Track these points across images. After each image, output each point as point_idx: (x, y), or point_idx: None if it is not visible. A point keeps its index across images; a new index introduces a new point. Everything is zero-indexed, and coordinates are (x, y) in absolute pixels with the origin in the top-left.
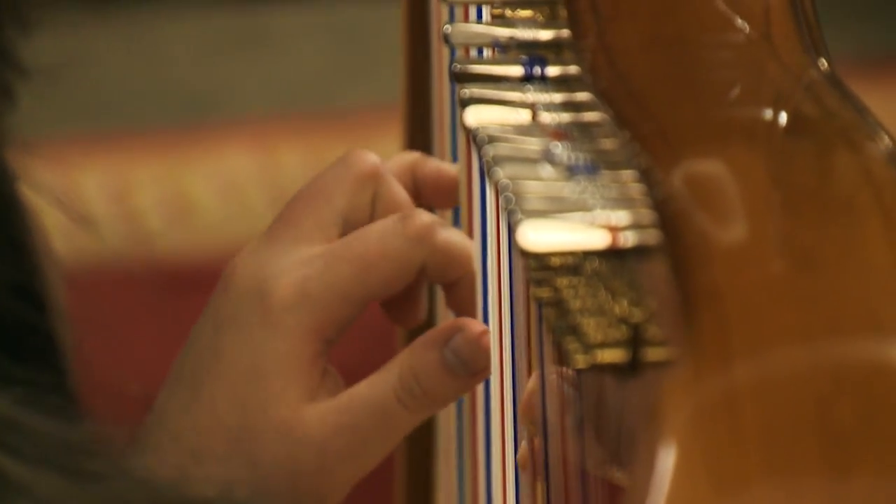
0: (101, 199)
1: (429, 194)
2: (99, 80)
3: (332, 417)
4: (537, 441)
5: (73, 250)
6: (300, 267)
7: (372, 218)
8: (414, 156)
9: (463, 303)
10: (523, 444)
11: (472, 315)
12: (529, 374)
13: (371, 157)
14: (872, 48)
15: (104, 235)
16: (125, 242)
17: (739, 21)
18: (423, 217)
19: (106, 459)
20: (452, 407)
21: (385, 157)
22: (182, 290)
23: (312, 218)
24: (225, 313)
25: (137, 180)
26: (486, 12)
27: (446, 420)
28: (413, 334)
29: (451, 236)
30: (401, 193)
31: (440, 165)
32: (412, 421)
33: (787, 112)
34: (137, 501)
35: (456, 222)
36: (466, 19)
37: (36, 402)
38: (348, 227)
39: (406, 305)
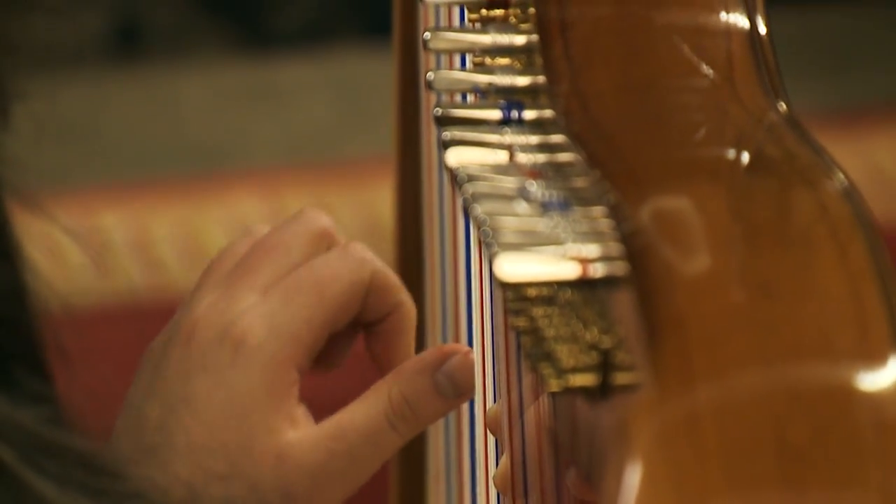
0: (122, 242)
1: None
2: (119, 132)
3: (325, 444)
4: (507, 459)
5: (94, 287)
6: (261, 304)
7: None
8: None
9: (390, 340)
10: (500, 464)
11: (396, 362)
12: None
13: (324, 217)
14: (839, 102)
15: (124, 273)
16: (143, 280)
17: (704, 67)
18: (361, 246)
19: (122, 478)
20: (441, 429)
21: (384, 202)
22: None
23: (270, 268)
24: (192, 363)
25: (155, 224)
26: (468, 60)
27: (435, 441)
28: None
29: (386, 268)
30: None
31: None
32: (401, 442)
33: (748, 152)
34: None
35: (443, 252)
36: (451, 68)
37: (58, 420)
38: None
39: (332, 351)
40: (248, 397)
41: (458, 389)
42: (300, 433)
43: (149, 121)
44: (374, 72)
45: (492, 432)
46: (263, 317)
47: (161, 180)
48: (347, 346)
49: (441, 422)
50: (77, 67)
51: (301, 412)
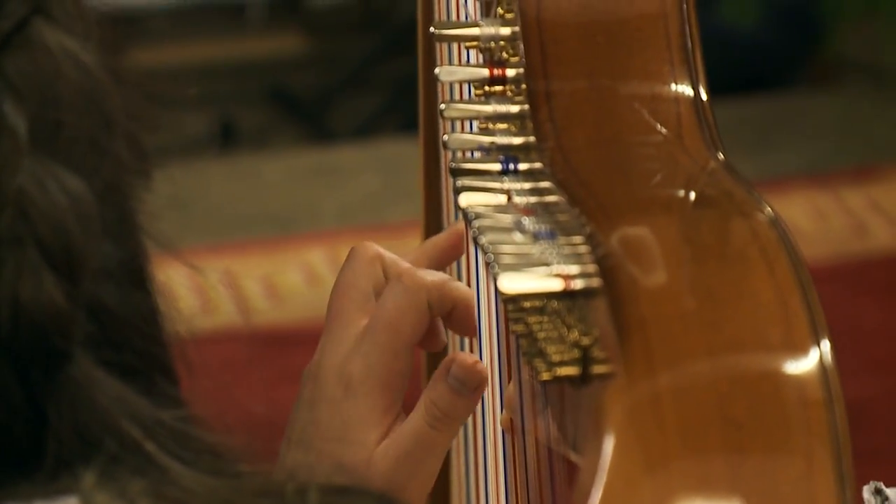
0: (219, 287)
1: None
2: (217, 204)
3: (385, 451)
4: (516, 421)
5: (200, 321)
6: (356, 349)
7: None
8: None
9: (462, 325)
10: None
11: (472, 333)
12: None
13: (371, 245)
14: (761, 173)
15: (223, 309)
16: (236, 315)
17: (658, 126)
18: (413, 272)
19: (239, 463)
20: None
21: None
22: (275, 348)
23: (351, 305)
24: (316, 395)
25: (245, 274)
26: (475, 125)
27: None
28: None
29: (436, 275)
30: (399, 261)
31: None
32: (445, 439)
33: (694, 191)
34: (269, 492)
35: (459, 276)
36: (463, 132)
37: (188, 419)
38: (377, 295)
39: (428, 335)
40: (354, 422)
41: (468, 385)
42: (381, 447)
43: (239, 195)
44: (411, 154)
45: (504, 428)
46: (361, 357)
47: (249, 240)
48: (439, 331)
49: None
50: (188, 154)
51: (397, 424)
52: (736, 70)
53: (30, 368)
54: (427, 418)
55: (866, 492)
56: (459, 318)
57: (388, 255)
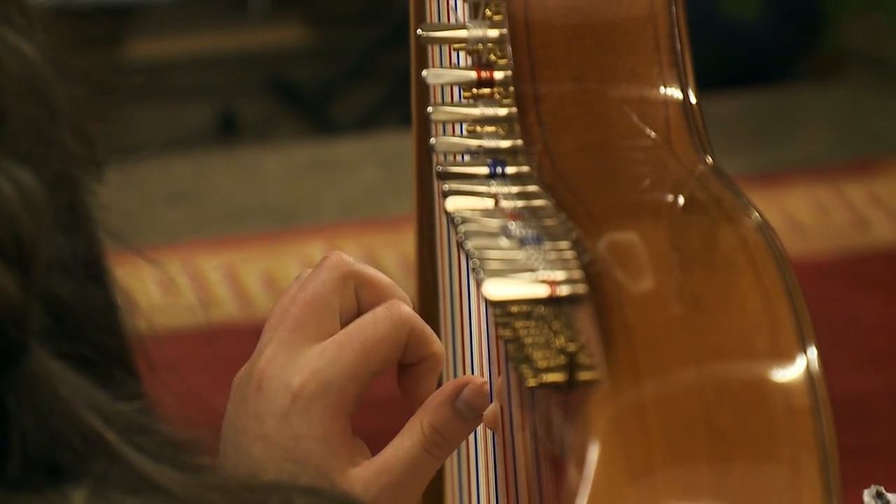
0: (218, 280)
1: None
2: (217, 197)
3: (377, 479)
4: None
5: (200, 313)
6: (315, 360)
7: (359, 304)
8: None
9: (422, 379)
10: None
11: (426, 394)
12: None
13: (345, 258)
14: (762, 167)
15: (222, 303)
16: (236, 308)
17: (647, 130)
18: (403, 305)
19: (202, 456)
20: None
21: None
22: None
23: (315, 321)
24: (265, 408)
25: (244, 267)
26: (464, 128)
27: None
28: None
29: (422, 322)
30: (378, 276)
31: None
32: (439, 463)
33: (682, 196)
34: (235, 486)
35: (450, 281)
36: (453, 134)
37: (148, 411)
38: (342, 317)
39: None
40: (310, 443)
41: (476, 412)
42: (357, 470)
43: (239, 187)
44: (410, 147)
45: (490, 427)
46: (316, 372)
47: (248, 233)
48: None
49: None
50: (187, 147)
51: (357, 448)
52: (737, 63)
53: None
54: (426, 444)
55: (867, 496)
56: (424, 371)
57: (364, 270)
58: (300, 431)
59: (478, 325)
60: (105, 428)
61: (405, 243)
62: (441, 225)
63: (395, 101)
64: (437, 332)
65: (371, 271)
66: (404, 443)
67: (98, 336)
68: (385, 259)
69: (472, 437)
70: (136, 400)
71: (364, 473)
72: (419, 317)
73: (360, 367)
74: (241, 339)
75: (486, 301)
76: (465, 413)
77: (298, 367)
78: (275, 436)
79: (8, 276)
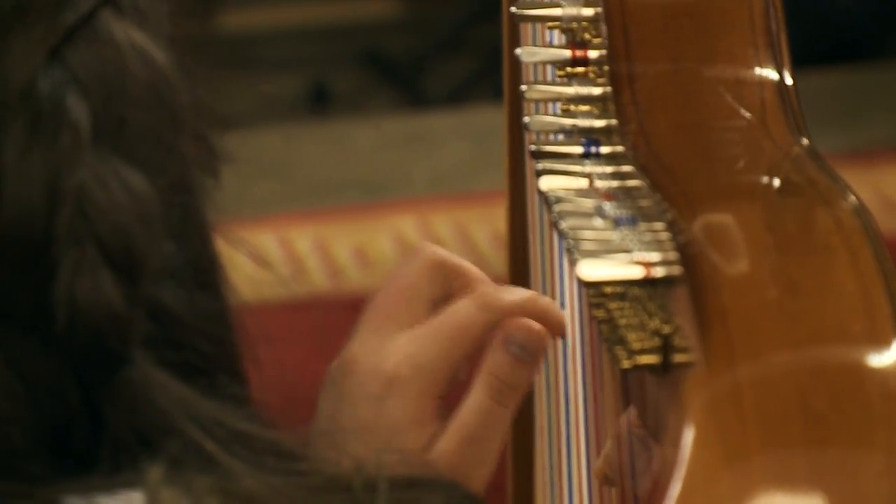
0: (309, 254)
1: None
2: (308, 169)
3: (455, 434)
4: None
5: (286, 284)
6: (407, 346)
7: (450, 292)
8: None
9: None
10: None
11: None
12: (594, 371)
13: (435, 248)
14: (853, 145)
15: (313, 277)
16: (327, 281)
17: (742, 111)
18: (489, 289)
19: (303, 461)
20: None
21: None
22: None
23: (406, 308)
24: (357, 393)
25: (335, 240)
26: (558, 107)
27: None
28: None
29: (512, 296)
30: (468, 266)
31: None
32: (507, 414)
33: (778, 178)
34: (336, 487)
35: (542, 263)
36: (546, 113)
37: (253, 417)
38: (433, 305)
39: None
40: (403, 423)
41: (528, 350)
42: (440, 448)
43: (331, 160)
44: (501, 122)
45: (597, 478)
46: (408, 357)
47: (339, 207)
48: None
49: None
50: (280, 119)
51: (441, 430)
52: (830, 39)
53: (86, 370)
54: (490, 392)
55: None
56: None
57: (454, 260)
58: (394, 414)
59: (570, 306)
60: (205, 438)
61: (496, 218)
62: (533, 204)
63: (487, 75)
64: None
65: (461, 261)
66: (473, 398)
67: (204, 344)
68: (476, 234)
69: (563, 425)
70: (241, 408)
71: (444, 440)
72: (510, 302)
73: (451, 351)
74: (331, 311)
75: (580, 281)
76: (519, 353)
77: (390, 353)
78: (369, 419)
79: (114, 287)
